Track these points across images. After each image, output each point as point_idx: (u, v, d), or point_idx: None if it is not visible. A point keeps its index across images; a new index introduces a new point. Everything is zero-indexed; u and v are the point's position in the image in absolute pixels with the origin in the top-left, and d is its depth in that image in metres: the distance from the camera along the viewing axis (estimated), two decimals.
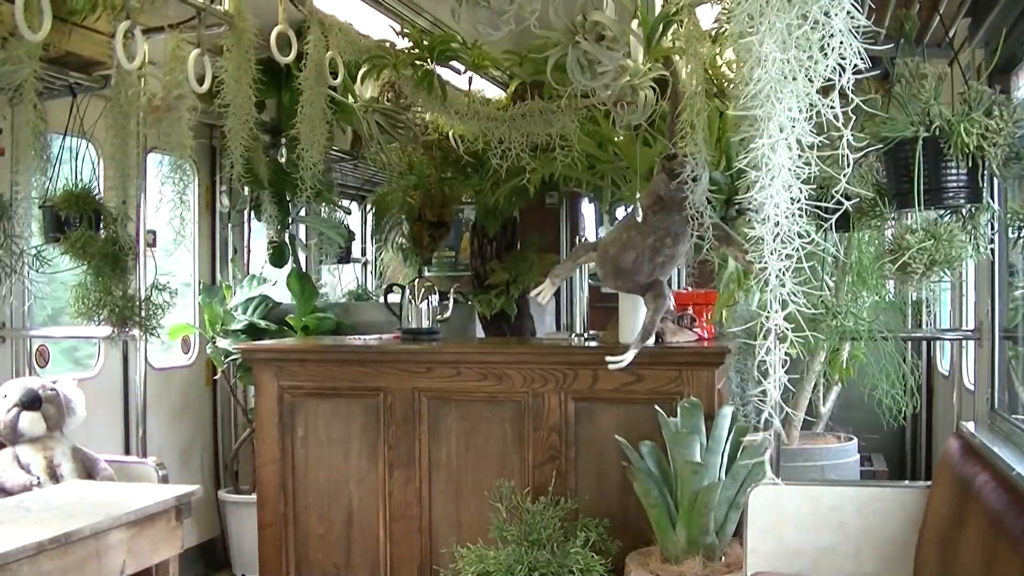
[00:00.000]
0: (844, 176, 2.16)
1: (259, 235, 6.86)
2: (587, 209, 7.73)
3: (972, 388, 4.39)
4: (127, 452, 5.38)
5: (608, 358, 4.16)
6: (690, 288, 5.69)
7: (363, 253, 8.94)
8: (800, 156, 2.15)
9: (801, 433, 5.65)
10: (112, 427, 5.52)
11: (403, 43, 4.72)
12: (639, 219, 4.10)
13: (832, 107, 2.11)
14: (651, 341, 4.25)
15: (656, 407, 4.09)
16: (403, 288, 5.28)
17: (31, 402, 4.38)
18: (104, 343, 5.17)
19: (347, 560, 4.81)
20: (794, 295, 2.25)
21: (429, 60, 4.59)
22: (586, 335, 5.09)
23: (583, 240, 7.30)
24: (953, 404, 4.74)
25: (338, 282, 8.42)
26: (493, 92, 6.17)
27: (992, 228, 3.38)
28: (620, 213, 5.61)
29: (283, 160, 6.26)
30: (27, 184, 4.42)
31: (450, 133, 5.18)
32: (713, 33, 3.98)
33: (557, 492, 4.34)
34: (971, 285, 4.50)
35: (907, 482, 5.52)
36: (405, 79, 4.66)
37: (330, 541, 4.83)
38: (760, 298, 2.28)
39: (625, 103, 3.83)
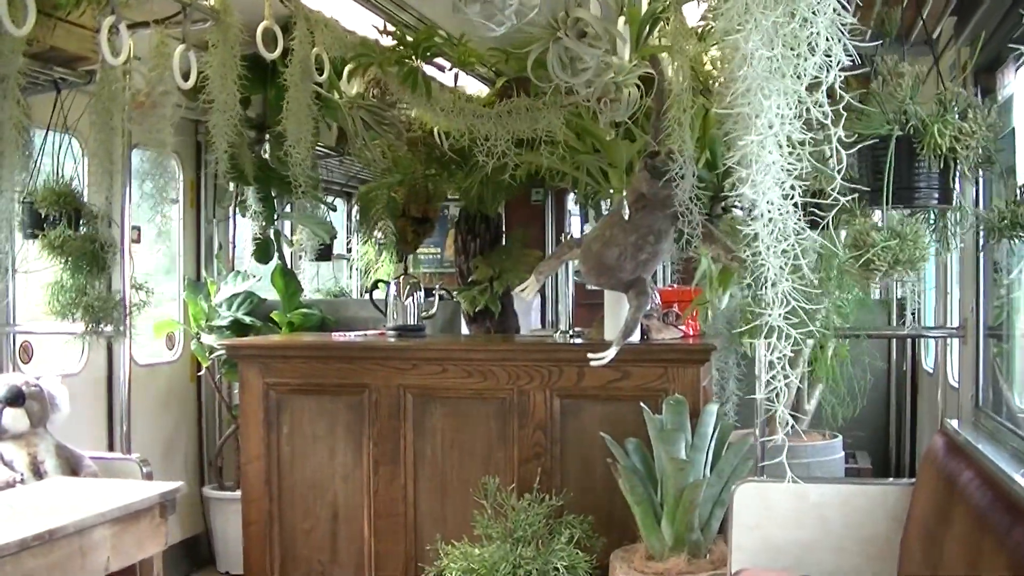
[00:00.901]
0: (839, 172, 2.17)
1: (244, 231, 6.85)
2: (573, 205, 7.74)
3: (957, 386, 4.40)
4: (111, 448, 5.36)
5: (590, 355, 4.16)
6: (675, 285, 5.70)
7: (348, 250, 8.93)
8: (791, 152, 2.15)
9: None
10: (96, 423, 5.49)
11: (388, 40, 4.72)
12: (625, 215, 4.10)
13: (820, 105, 2.12)
14: (636, 338, 4.25)
15: (642, 404, 4.10)
16: (388, 284, 5.27)
17: (14, 398, 4.35)
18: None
19: (332, 557, 4.80)
20: (792, 293, 2.25)
21: (414, 57, 4.59)
22: (571, 332, 5.09)
23: (568, 237, 7.29)
24: (938, 402, 4.76)
25: (316, 277, 8.37)
26: (478, 89, 6.16)
27: (976, 228, 3.39)
28: (605, 208, 5.61)
29: (267, 156, 6.25)
30: (10, 180, 4.39)
31: (435, 130, 5.18)
32: (699, 31, 3.98)
33: (542, 489, 4.33)
34: (956, 283, 4.51)
35: (891, 479, 5.54)
36: (390, 76, 4.65)
37: (315, 538, 4.82)
38: (747, 296, 2.29)
39: (609, 100, 3.83)
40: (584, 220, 7.27)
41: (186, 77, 4.24)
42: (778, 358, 2.29)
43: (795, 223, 2.23)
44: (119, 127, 4.50)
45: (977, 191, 3.65)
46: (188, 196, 6.38)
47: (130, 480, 4.44)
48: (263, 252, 6.51)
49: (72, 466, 4.47)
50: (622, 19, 3.99)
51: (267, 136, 6.21)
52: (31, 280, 4.91)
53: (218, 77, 4.46)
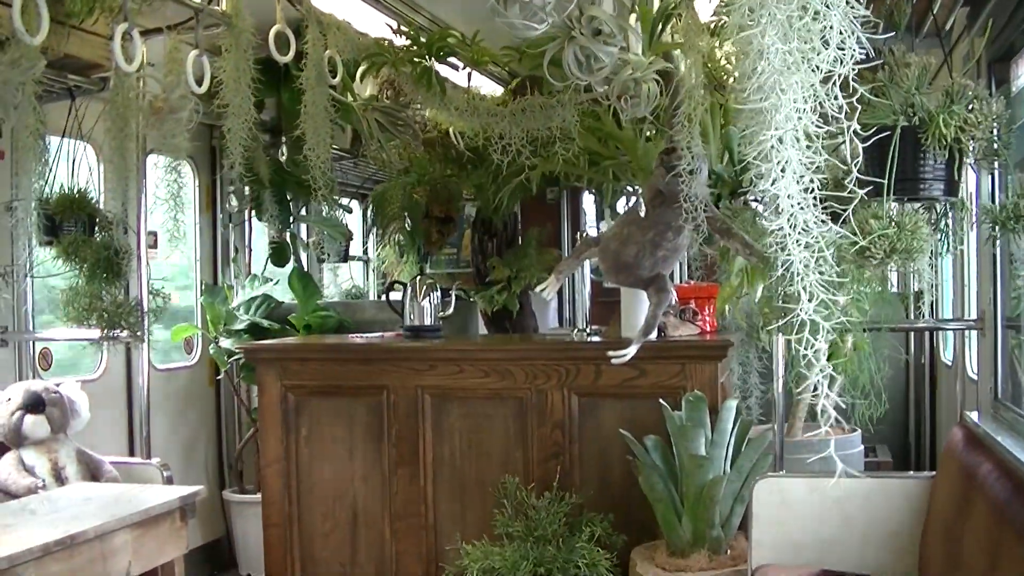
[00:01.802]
0: (856, 165, 2.16)
1: (260, 234, 6.87)
2: (588, 204, 7.73)
3: (975, 378, 4.39)
4: (131, 453, 5.39)
5: (610, 352, 4.15)
6: (693, 281, 5.68)
7: (364, 252, 8.94)
8: (809, 147, 2.15)
9: (804, 424, 5.64)
10: (116, 429, 5.51)
11: (401, 41, 4.72)
12: (641, 213, 4.09)
13: (836, 97, 2.11)
14: (653, 335, 4.24)
15: (660, 401, 4.09)
16: (405, 285, 5.27)
17: (35, 405, 4.37)
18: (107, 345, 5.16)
19: (352, 559, 4.81)
20: (821, 285, 2.25)
21: (427, 57, 4.59)
22: (588, 330, 5.09)
23: (584, 235, 7.28)
24: (956, 394, 4.74)
25: (334, 280, 8.40)
26: (492, 88, 6.16)
27: (984, 221, 3.37)
28: (622, 207, 5.60)
29: (283, 159, 6.26)
30: (27, 188, 4.41)
31: (450, 130, 5.18)
32: (712, 26, 3.98)
33: (561, 488, 4.34)
34: (973, 275, 4.49)
35: (911, 472, 5.52)
36: (404, 76, 4.65)
37: (335, 540, 4.83)
38: (780, 292, 2.28)
39: (628, 97, 3.82)
40: (599, 218, 7.26)
41: (200, 82, 4.26)
42: (813, 352, 2.28)
43: (815, 216, 2.22)
44: (134, 133, 4.52)
45: (992, 182, 3.63)
46: (204, 201, 6.40)
47: (150, 485, 4.45)
48: (279, 255, 6.52)
49: (93, 471, 4.49)
50: (633, 16, 3.98)
51: (283, 139, 6.22)
52: (49, 287, 4.94)
53: (232, 81, 4.47)
